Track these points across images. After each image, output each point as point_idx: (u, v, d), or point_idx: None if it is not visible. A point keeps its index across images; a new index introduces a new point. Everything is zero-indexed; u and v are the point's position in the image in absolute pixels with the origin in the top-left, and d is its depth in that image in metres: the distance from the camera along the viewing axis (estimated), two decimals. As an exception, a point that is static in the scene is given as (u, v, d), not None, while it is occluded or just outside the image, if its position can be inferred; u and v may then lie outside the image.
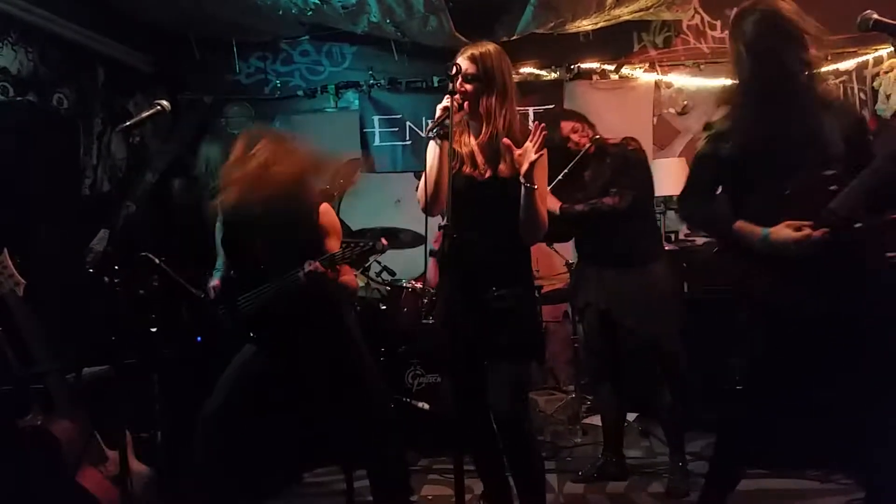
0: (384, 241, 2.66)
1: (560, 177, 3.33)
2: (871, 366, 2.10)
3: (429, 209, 2.41)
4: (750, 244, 2.18)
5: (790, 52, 2.15)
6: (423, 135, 5.29)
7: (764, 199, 2.17)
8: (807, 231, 2.07)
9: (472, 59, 2.41)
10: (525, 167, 2.29)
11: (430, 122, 5.41)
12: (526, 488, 2.54)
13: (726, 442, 2.42)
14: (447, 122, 2.27)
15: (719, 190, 2.37)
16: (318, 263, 2.55)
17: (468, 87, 2.39)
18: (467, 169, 2.45)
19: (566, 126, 3.40)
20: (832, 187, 2.07)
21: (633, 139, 3.35)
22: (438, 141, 2.38)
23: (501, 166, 2.42)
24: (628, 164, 3.27)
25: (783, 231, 2.10)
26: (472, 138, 2.49)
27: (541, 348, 2.65)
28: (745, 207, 2.24)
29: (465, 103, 2.38)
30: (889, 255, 3.07)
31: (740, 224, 2.21)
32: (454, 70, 2.31)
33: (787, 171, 2.13)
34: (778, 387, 2.23)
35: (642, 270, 3.27)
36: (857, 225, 2.06)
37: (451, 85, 2.29)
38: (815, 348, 2.11)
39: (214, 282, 2.87)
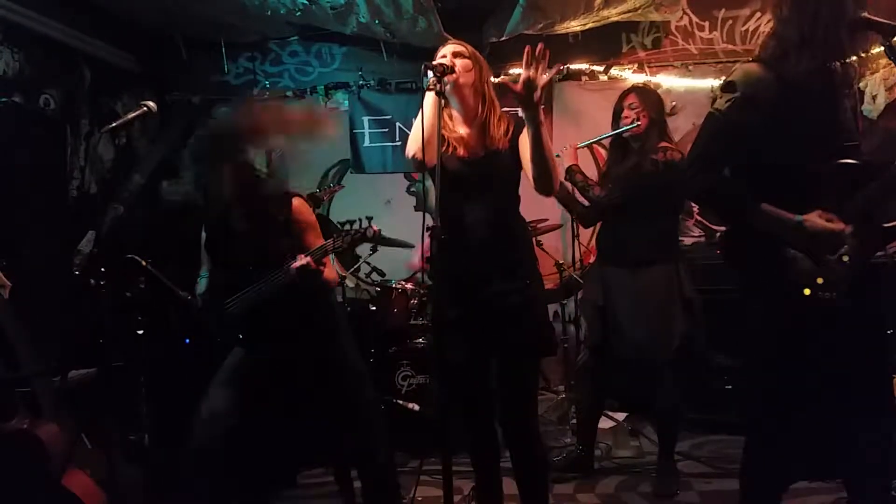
0: (375, 227, 2.60)
1: (591, 142, 3.41)
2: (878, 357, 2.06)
3: (424, 161, 2.30)
4: (778, 230, 2.00)
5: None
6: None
7: (790, 180, 2.00)
8: (840, 225, 1.96)
9: (459, 43, 2.47)
10: (536, 93, 2.25)
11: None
12: (529, 489, 2.53)
13: (765, 462, 2.18)
14: (444, 79, 2.24)
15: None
16: (309, 258, 2.51)
17: (458, 61, 2.39)
18: (460, 151, 2.42)
19: (628, 99, 3.35)
20: (868, 179, 1.97)
21: (668, 149, 3.21)
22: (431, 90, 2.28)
23: (490, 142, 2.41)
24: (641, 170, 3.22)
25: (818, 221, 1.97)
26: (460, 123, 2.48)
27: (552, 343, 2.51)
28: (762, 188, 2.03)
29: (455, 68, 2.35)
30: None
31: (768, 206, 2.00)
32: (442, 70, 2.29)
33: (808, 153, 1.98)
34: (808, 383, 2.05)
35: (639, 271, 3.25)
36: (885, 226, 1.99)
37: (438, 86, 2.25)
38: (831, 348, 1.99)
39: (202, 289, 2.85)
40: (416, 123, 2.37)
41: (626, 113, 3.32)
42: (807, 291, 1.98)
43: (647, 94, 3.41)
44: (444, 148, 2.31)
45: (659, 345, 3.23)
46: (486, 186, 2.38)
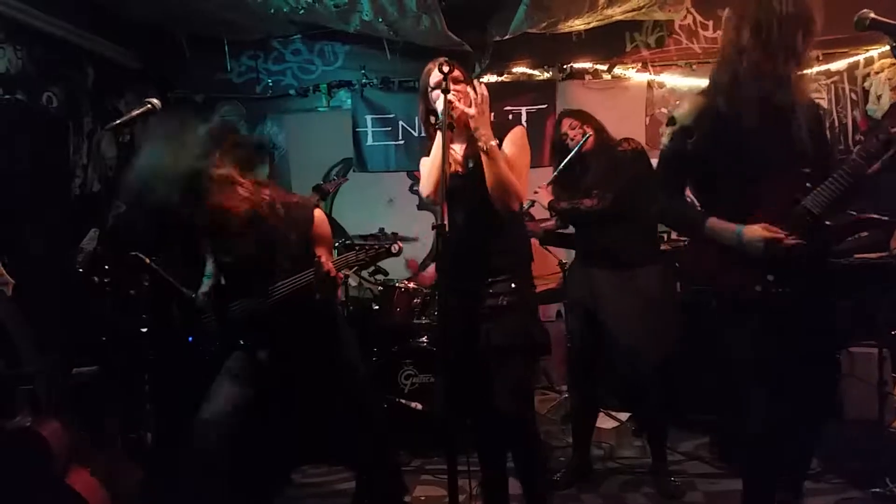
0: (400, 244, 2.63)
1: (556, 173, 3.33)
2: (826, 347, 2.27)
3: (439, 197, 2.30)
4: (722, 241, 2.21)
5: (784, 53, 2.13)
6: (415, 134, 5.29)
7: (730, 195, 2.21)
8: (780, 235, 2.13)
9: (452, 65, 2.49)
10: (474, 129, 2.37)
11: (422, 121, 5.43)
12: (530, 487, 2.55)
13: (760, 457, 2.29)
14: (452, 113, 2.36)
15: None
16: (331, 265, 2.51)
17: (459, 88, 2.46)
18: (454, 167, 2.50)
19: (565, 123, 3.42)
20: (807, 184, 2.14)
21: (629, 139, 3.33)
22: (442, 130, 2.36)
23: (479, 157, 2.46)
24: (616, 165, 3.25)
25: (756, 231, 2.15)
26: (454, 138, 2.55)
27: (543, 342, 2.63)
28: (712, 203, 2.28)
29: (462, 101, 2.43)
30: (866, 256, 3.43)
31: (713, 221, 2.23)
32: (447, 69, 2.34)
33: (754, 168, 2.17)
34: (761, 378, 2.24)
35: (631, 273, 3.25)
36: (828, 224, 2.16)
37: (444, 83, 2.33)
38: (784, 338, 2.16)
39: (205, 289, 2.84)
40: (429, 161, 2.48)
41: (571, 134, 3.36)
42: (758, 288, 2.16)
43: (580, 113, 3.48)
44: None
45: (654, 348, 3.23)
46: (479, 194, 2.44)
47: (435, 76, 2.48)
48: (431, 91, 2.52)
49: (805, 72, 2.22)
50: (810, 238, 2.13)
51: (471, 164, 2.50)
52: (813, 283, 2.17)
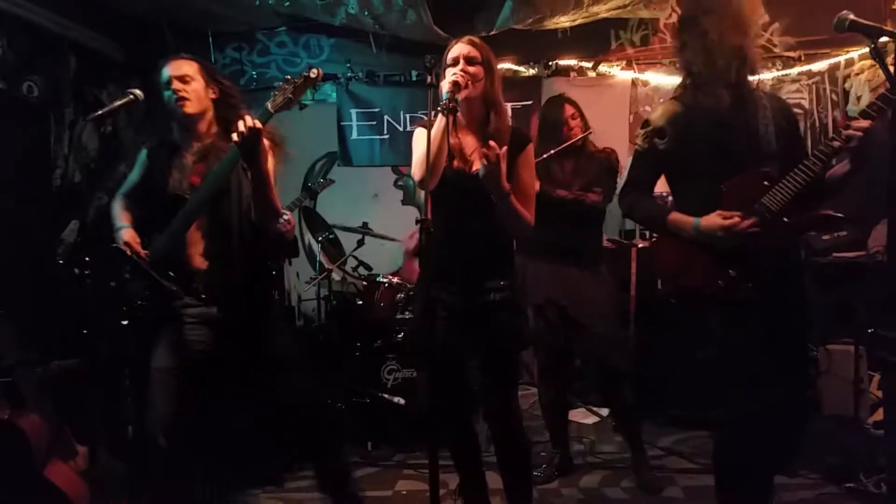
0: (317, 70, 2.44)
1: (545, 156, 3.28)
2: (793, 343, 2.28)
3: (427, 182, 2.18)
4: (683, 234, 2.29)
5: (740, 53, 2.22)
6: (400, 129, 5.29)
7: (701, 193, 2.27)
8: (735, 219, 2.18)
9: (473, 43, 2.38)
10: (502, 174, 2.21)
11: (407, 116, 5.41)
12: (514, 482, 2.54)
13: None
14: (457, 97, 2.22)
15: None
16: (254, 120, 2.26)
17: (472, 69, 2.32)
18: (457, 163, 2.36)
19: (569, 109, 3.40)
20: (765, 183, 2.19)
21: (613, 150, 3.45)
22: (444, 114, 2.22)
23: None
24: (612, 169, 3.37)
25: (713, 219, 2.21)
26: (462, 127, 2.41)
27: (530, 338, 2.65)
28: (684, 201, 2.36)
29: (469, 83, 2.30)
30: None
31: (674, 216, 2.33)
32: (432, 62, 2.24)
33: (722, 167, 2.23)
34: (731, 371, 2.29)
35: (596, 269, 3.36)
36: (786, 220, 2.17)
37: (429, 78, 2.23)
38: (747, 333, 2.20)
39: (125, 238, 2.55)
40: (423, 144, 2.18)
41: (572, 124, 3.38)
42: (720, 283, 2.20)
43: (577, 104, 3.48)
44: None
45: (618, 337, 3.36)
46: (477, 198, 2.31)
47: (454, 51, 2.36)
48: (445, 69, 2.33)
49: (773, 74, 2.30)
50: (769, 233, 2.17)
51: (478, 166, 2.30)
52: (778, 278, 2.21)
